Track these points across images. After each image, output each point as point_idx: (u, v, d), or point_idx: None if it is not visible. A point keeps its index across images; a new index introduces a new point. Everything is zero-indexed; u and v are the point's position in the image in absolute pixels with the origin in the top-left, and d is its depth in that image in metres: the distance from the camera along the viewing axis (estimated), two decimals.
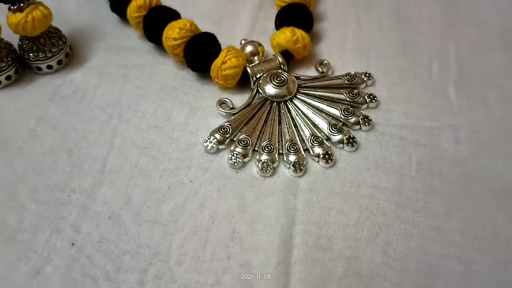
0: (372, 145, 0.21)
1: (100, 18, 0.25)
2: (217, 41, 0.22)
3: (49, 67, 0.23)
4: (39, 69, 0.23)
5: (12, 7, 0.22)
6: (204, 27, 0.23)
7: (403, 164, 0.20)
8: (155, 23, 0.23)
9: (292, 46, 0.23)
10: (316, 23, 0.24)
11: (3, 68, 0.23)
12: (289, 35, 0.23)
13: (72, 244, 0.18)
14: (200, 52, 0.22)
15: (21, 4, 0.22)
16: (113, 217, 0.19)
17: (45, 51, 0.23)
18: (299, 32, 0.23)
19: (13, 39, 0.23)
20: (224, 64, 0.22)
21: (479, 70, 0.22)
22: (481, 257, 0.18)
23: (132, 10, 0.24)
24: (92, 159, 0.20)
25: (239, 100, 0.22)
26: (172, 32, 0.22)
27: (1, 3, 0.22)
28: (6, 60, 0.23)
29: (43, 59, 0.23)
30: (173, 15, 0.23)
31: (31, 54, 0.23)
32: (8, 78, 0.23)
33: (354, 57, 0.23)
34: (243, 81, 0.22)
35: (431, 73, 0.23)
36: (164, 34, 0.23)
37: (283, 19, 0.24)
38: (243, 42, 0.24)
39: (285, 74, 0.22)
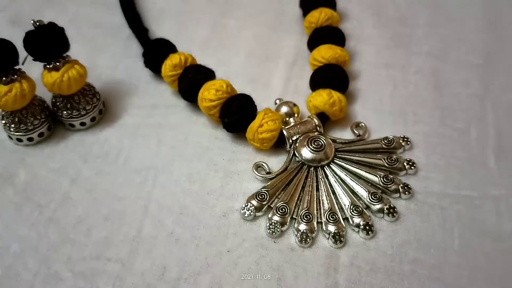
0: (413, 216, 0.20)
1: (134, 74, 0.25)
2: (253, 102, 0.22)
3: (82, 124, 0.23)
4: (72, 125, 0.23)
5: (48, 66, 0.22)
6: (237, 85, 0.23)
7: (444, 237, 0.19)
8: (190, 83, 0.23)
9: (328, 108, 0.22)
10: (351, 83, 0.24)
11: (37, 126, 0.22)
12: (326, 98, 0.22)
13: None
14: (236, 114, 0.22)
15: (57, 63, 0.22)
16: None
17: (79, 108, 0.23)
18: (336, 95, 0.22)
19: (46, 95, 0.23)
20: (261, 127, 0.21)
21: None
22: None
23: (167, 69, 0.23)
24: (127, 224, 0.20)
25: (275, 162, 0.22)
26: (208, 93, 0.22)
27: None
28: (39, 117, 0.22)
29: (76, 116, 0.23)
30: (209, 74, 0.23)
31: (65, 112, 0.23)
32: (40, 135, 0.23)
33: (391, 120, 0.23)
34: (278, 143, 0.22)
35: (470, 139, 0.22)
36: (200, 95, 0.22)
37: (318, 80, 0.23)
38: (278, 102, 0.23)
39: (323, 138, 0.22)
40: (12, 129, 0.22)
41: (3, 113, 0.22)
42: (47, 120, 0.23)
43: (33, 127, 0.22)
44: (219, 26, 0.28)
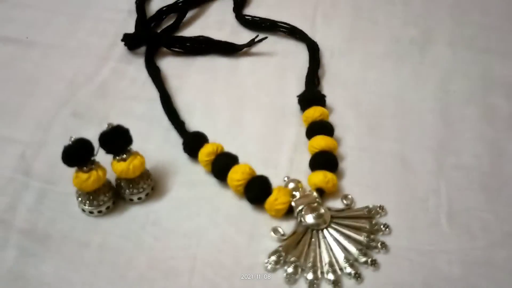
0: (389, 266, 0.27)
1: (175, 158, 0.33)
2: (269, 182, 0.30)
3: (139, 198, 0.30)
4: (132, 200, 0.30)
5: (117, 157, 0.29)
6: (254, 165, 0.31)
7: (413, 283, 0.27)
8: (222, 167, 0.30)
9: (324, 185, 0.30)
10: (339, 164, 0.32)
11: (106, 201, 0.30)
12: (322, 178, 0.30)
13: None
14: (257, 191, 0.29)
15: (124, 156, 0.29)
16: None
17: (138, 187, 0.30)
18: (330, 175, 0.30)
19: (110, 174, 0.30)
20: (276, 200, 0.29)
21: (464, 206, 0.30)
22: None
23: (203, 155, 0.31)
24: (180, 276, 0.27)
25: (286, 225, 0.29)
26: (236, 175, 0.30)
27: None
28: (107, 195, 0.30)
29: (135, 193, 0.30)
30: (234, 159, 0.31)
31: (127, 190, 0.30)
32: (107, 208, 0.30)
33: (370, 192, 0.31)
34: (288, 212, 0.30)
35: (428, 206, 0.30)
36: (229, 175, 0.30)
37: (316, 163, 0.32)
38: (286, 179, 0.31)
39: (322, 208, 0.29)
40: (86, 204, 0.29)
41: (79, 192, 0.29)
42: (112, 196, 0.30)
43: (102, 202, 0.29)
44: (236, 117, 0.36)
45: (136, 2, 0.45)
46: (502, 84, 0.37)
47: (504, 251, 0.28)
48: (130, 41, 0.40)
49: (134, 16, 0.44)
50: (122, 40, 0.41)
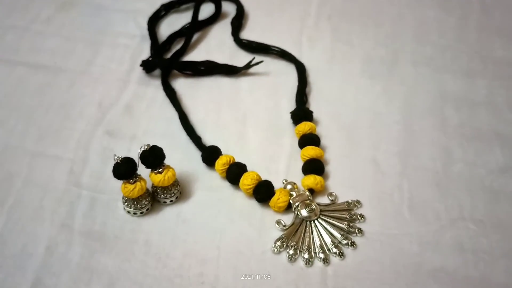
0: (365, 246, 0.36)
1: (195, 167, 0.41)
2: (272, 185, 0.38)
3: (171, 201, 0.38)
4: (165, 202, 0.38)
5: (154, 171, 0.37)
6: (259, 171, 0.39)
7: (383, 258, 0.35)
8: (235, 174, 0.39)
9: (314, 186, 0.39)
10: (325, 168, 0.41)
11: (146, 204, 0.37)
12: (313, 180, 0.39)
13: None
14: (263, 193, 0.38)
15: (159, 169, 0.37)
16: None
17: (170, 193, 0.38)
18: (318, 179, 0.39)
19: (148, 183, 0.38)
20: (278, 200, 0.38)
21: (421, 199, 0.39)
22: None
23: (219, 165, 0.39)
24: (207, 261, 0.35)
25: (286, 217, 0.38)
26: (246, 181, 0.38)
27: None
28: (147, 199, 0.37)
29: (168, 197, 0.38)
30: (244, 168, 0.39)
31: (162, 195, 0.38)
32: (147, 210, 0.38)
33: (349, 190, 0.39)
34: (287, 208, 0.38)
35: (393, 200, 0.39)
36: (241, 181, 0.38)
37: (307, 169, 0.40)
38: (284, 182, 0.39)
39: (313, 204, 0.38)
40: (131, 208, 0.37)
41: (125, 198, 0.37)
42: (150, 200, 0.38)
43: (144, 205, 0.37)
44: (241, 131, 0.44)
45: (148, 29, 0.52)
46: (453, 99, 0.46)
47: (450, 233, 0.37)
48: (147, 66, 0.48)
49: (146, 41, 0.52)
50: (141, 65, 0.48)
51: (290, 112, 0.44)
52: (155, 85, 0.48)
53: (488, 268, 0.35)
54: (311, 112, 0.44)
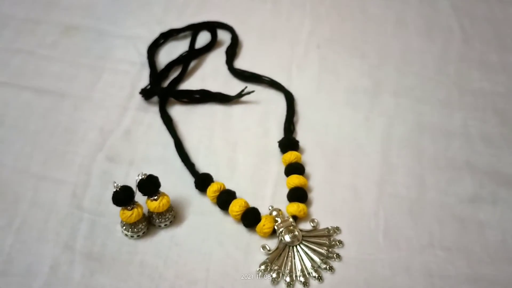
0: (342, 269, 0.39)
1: (188, 193, 0.44)
2: (259, 212, 0.42)
3: (165, 225, 0.42)
4: (159, 226, 0.42)
5: (150, 198, 0.40)
6: (246, 197, 0.42)
7: (358, 280, 0.39)
8: (224, 201, 0.42)
9: (297, 213, 0.42)
10: (308, 195, 0.44)
11: (142, 228, 0.41)
12: (296, 208, 0.42)
13: None
14: (250, 219, 0.41)
15: (155, 197, 0.40)
16: None
17: (164, 217, 0.41)
18: (302, 206, 0.42)
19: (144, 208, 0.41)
20: (264, 226, 0.41)
21: (395, 225, 0.43)
22: None
23: (210, 192, 0.43)
24: (196, 282, 0.38)
25: (271, 242, 0.41)
26: (235, 207, 0.41)
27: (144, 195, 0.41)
28: (143, 223, 0.41)
29: (163, 222, 0.41)
30: (233, 194, 0.43)
31: (157, 220, 0.41)
32: (143, 233, 0.41)
33: (329, 216, 0.43)
34: (272, 233, 0.41)
35: (370, 227, 0.42)
36: (230, 207, 0.42)
37: (292, 195, 0.43)
38: (270, 208, 0.43)
39: (296, 230, 0.41)
40: (129, 231, 0.40)
41: (123, 222, 0.41)
42: (146, 224, 0.41)
43: (140, 229, 0.41)
44: (231, 157, 0.47)
45: (147, 57, 0.55)
46: (430, 129, 0.50)
47: (420, 259, 0.40)
48: (146, 94, 0.51)
49: (146, 68, 0.55)
50: (140, 93, 0.51)
51: (278, 141, 0.48)
52: (153, 111, 0.51)
53: None
54: (297, 141, 0.48)
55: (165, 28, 0.59)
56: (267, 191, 0.45)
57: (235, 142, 0.49)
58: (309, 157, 0.48)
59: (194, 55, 0.56)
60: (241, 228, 0.42)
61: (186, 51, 0.56)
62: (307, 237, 0.42)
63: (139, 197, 0.40)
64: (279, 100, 0.53)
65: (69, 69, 0.55)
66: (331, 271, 0.39)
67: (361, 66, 0.56)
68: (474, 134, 0.50)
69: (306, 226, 0.43)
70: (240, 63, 0.57)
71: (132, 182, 0.40)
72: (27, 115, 0.51)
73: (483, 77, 0.56)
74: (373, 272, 0.40)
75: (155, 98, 0.52)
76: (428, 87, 0.54)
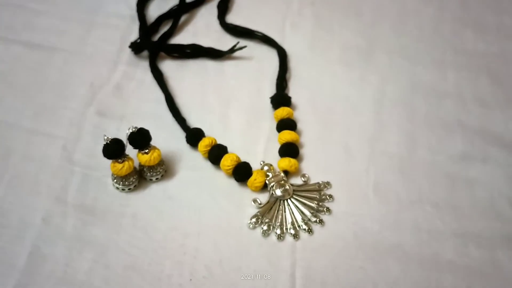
0: (332, 223, 0.40)
1: (179, 147, 0.44)
2: (250, 166, 0.42)
3: (157, 179, 0.42)
4: (151, 180, 0.42)
5: (141, 151, 0.40)
6: (238, 153, 0.42)
7: (347, 235, 0.39)
8: (216, 155, 0.42)
9: (289, 168, 0.42)
10: (300, 151, 0.44)
11: (133, 181, 0.41)
12: (287, 163, 0.42)
13: None
14: (242, 174, 0.41)
15: (146, 150, 0.40)
16: None
17: (156, 171, 0.41)
18: (293, 161, 0.42)
19: (135, 162, 0.41)
20: (255, 180, 0.41)
21: (385, 182, 0.43)
22: None
23: (202, 147, 0.43)
24: (189, 234, 0.39)
25: (262, 196, 0.41)
26: (226, 161, 0.41)
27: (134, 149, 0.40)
28: (134, 177, 0.41)
29: (154, 175, 0.41)
30: (225, 149, 0.43)
31: (148, 173, 0.41)
32: (135, 186, 0.41)
33: (321, 171, 0.43)
34: (263, 187, 0.42)
35: (361, 184, 0.43)
36: (221, 162, 0.42)
37: (283, 151, 0.43)
38: (262, 163, 0.43)
39: (287, 184, 0.41)
40: (120, 184, 0.41)
41: (114, 175, 0.41)
42: (138, 177, 0.41)
43: (131, 182, 0.41)
44: (224, 114, 0.47)
45: (137, 11, 0.54)
46: (422, 89, 0.50)
47: (409, 213, 0.41)
48: (136, 48, 0.50)
49: (136, 22, 0.54)
50: (129, 47, 0.50)
51: (270, 97, 0.47)
52: (143, 66, 0.50)
53: (440, 247, 0.39)
54: (290, 97, 0.47)
55: None
56: (259, 147, 0.45)
57: (228, 99, 0.49)
58: (301, 114, 0.47)
59: (185, 9, 0.55)
60: (232, 183, 0.42)
61: (177, 5, 0.55)
62: (298, 192, 0.42)
63: (131, 151, 0.40)
64: (272, 57, 0.52)
65: (59, 23, 0.54)
66: (321, 224, 0.40)
67: (356, 24, 0.56)
68: (466, 94, 0.50)
69: (297, 181, 0.43)
70: (233, 18, 0.56)
71: (123, 136, 0.40)
72: (17, 69, 0.50)
73: (477, 38, 0.55)
74: (362, 226, 0.40)
75: (146, 53, 0.51)
76: (422, 47, 0.54)
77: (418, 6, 0.58)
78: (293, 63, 0.52)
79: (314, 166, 0.44)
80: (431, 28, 0.56)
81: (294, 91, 0.49)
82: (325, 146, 0.45)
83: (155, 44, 0.51)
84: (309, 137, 0.46)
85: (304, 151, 0.45)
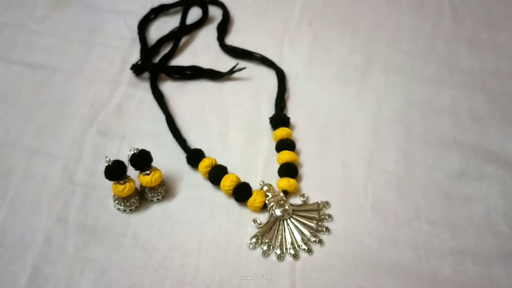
0: (331, 242, 0.41)
1: (180, 167, 0.45)
2: (250, 187, 0.42)
3: (158, 199, 0.42)
4: (152, 200, 0.42)
5: (142, 173, 0.41)
6: (238, 173, 0.43)
7: (346, 253, 0.40)
8: (216, 176, 0.43)
9: (288, 188, 0.43)
10: (299, 171, 0.45)
11: (134, 202, 0.41)
12: (287, 183, 0.43)
13: None
14: (241, 194, 0.42)
15: (147, 171, 0.41)
16: None
17: (157, 192, 0.42)
18: (292, 181, 0.43)
19: (136, 183, 0.42)
20: (255, 200, 0.42)
21: (383, 200, 0.44)
22: None
23: (202, 167, 0.43)
24: (189, 253, 0.39)
25: (262, 216, 0.42)
26: (226, 182, 0.42)
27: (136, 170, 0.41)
28: (136, 198, 0.41)
29: (155, 196, 0.42)
30: (225, 170, 0.43)
31: (149, 194, 0.42)
32: (136, 207, 0.42)
33: (319, 190, 0.44)
34: (263, 208, 0.42)
35: (359, 201, 0.43)
36: (221, 182, 0.42)
37: (283, 170, 0.44)
38: (261, 183, 0.43)
39: (286, 204, 0.42)
40: (121, 205, 0.41)
41: (115, 196, 0.41)
42: (139, 198, 0.42)
43: (132, 203, 0.41)
44: (223, 133, 0.48)
45: (138, 33, 0.55)
46: (419, 106, 0.50)
47: (406, 232, 0.41)
48: (137, 70, 0.51)
49: (137, 43, 0.55)
50: (131, 68, 0.51)
51: (269, 118, 0.48)
52: (144, 87, 0.51)
53: (437, 264, 0.40)
54: (288, 118, 0.48)
55: (156, 3, 0.58)
56: (258, 166, 0.46)
57: (227, 118, 0.49)
58: (300, 133, 0.48)
59: (185, 31, 0.56)
60: (232, 202, 0.43)
61: (177, 27, 0.56)
62: (297, 211, 0.42)
63: (132, 172, 0.41)
64: (271, 77, 0.53)
65: (60, 43, 0.55)
66: (320, 243, 0.41)
67: (352, 42, 0.57)
68: (462, 111, 0.51)
69: (297, 200, 0.43)
70: (232, 40, 0.57)
71: (124, 156, 0.41)
72: (18, 89, 0.50)
73: (472, 56, 0.56)
74: (361, 244, 0.41)
75: (146, 74, 0.52)
76: (418, 64, 0.55)
77: (413, 24, 0.59)
78: (291, 81, 0.53)
79: (313, 185, 0.44)
80: (426, 46, 0.57)
81: (292, 109, 0.50)
82: (323, 165, 0.46)
83: (156, 66, 0.52)
84: (308, 155, 0.47)
85: (303, 171, 0.45)
